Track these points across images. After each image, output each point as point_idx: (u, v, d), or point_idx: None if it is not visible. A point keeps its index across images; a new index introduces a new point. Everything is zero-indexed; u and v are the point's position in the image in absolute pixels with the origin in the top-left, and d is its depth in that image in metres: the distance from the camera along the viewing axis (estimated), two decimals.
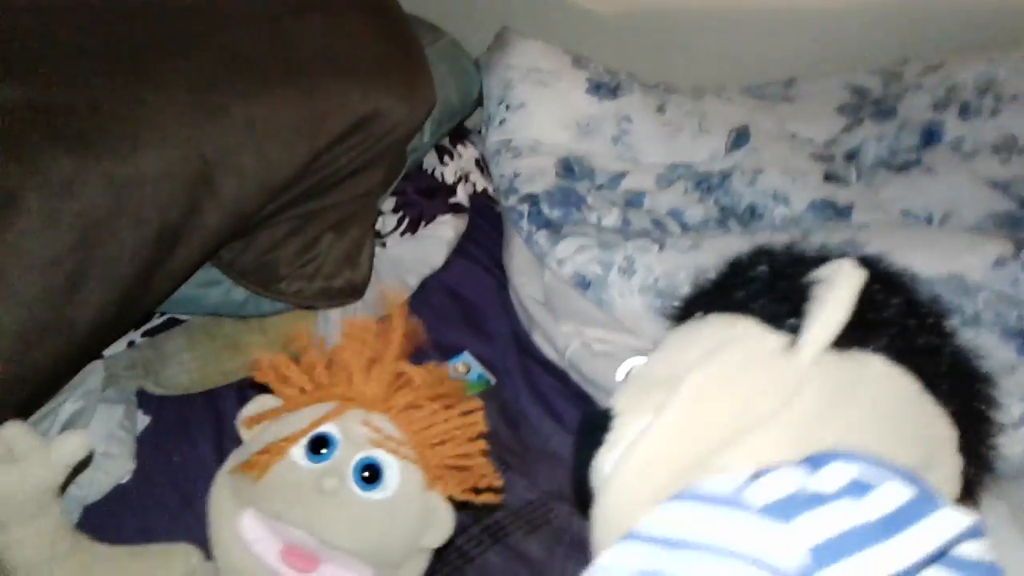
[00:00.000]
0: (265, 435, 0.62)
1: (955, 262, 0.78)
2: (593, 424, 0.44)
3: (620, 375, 0.46)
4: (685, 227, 0.98)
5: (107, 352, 0.88)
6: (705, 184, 1.00)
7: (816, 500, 0.33)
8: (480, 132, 1.13)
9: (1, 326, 0.66)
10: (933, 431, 0.41)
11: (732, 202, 0.98)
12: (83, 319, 0.70)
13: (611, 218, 0.97)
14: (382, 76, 0.87)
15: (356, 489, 0.59)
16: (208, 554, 0.62)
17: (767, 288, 0.45)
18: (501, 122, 1.05)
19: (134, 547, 0.62)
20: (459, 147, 1.14)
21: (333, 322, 0.94)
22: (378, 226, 1.01)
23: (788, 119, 1.10)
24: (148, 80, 0.75)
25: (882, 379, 0.42)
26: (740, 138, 1.04)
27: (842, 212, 0.95)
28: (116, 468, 0.83)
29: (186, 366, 0.91)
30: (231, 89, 0.77)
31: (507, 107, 1.05)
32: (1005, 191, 0.93)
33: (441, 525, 0.62)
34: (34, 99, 0.70)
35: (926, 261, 0.79)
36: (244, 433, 0.66)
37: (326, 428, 0.60)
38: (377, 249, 0.99)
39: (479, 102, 1.12)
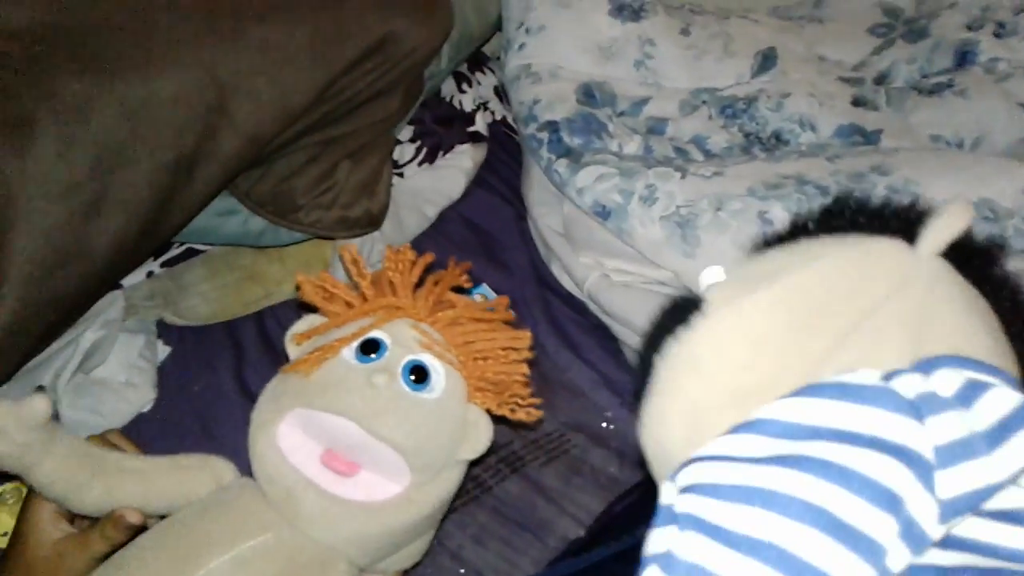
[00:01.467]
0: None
1: (985, 187, 0.76)
2: (681, 305, 0.39)
3: (704, 281, 0.42)
4: (708, 154, 0.95)
5: (126, 282, 0.89)
6: (730, 110, 0.97)
7: (942, 403, 0.31)
8: (499, 59, 1.10)
9: (20, 253, 0.66)
10: (1017, 363, 0.40)
11: (757, 128, 0.95)
12: (101, 246, 0.70)
13: (632, 146, 0.95)
14: None
15: (405, 387, 0.60)
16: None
17: (875, 213, 0.41)
18: (520, 46, 1.02)
19: (163, 459, 0.63)
20: (477, 74, 1.11)
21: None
22: (396, 156, 0.99)
23: (817, 41, 1.06)
24: (161, 2, 0.73)
25: (982, 299, 0.39)
26: (767, 61, 1.01)
27: (870, 137, 0.92)
28: (137, 397, 0.84)
29: (205, 296, 0.91)
30: (246, 11, 0.76)
31: (527, 30, 1.02)
32: None
33: (479, 437, 0.64)
34: (47, 22, 0.69)
35: (955, 187, 0.77)
36: (292, 351, 0.67)
37: (375, 333, 0.62)
38: (395, 179, 0.98)
39: (498, 26, 1.08)
